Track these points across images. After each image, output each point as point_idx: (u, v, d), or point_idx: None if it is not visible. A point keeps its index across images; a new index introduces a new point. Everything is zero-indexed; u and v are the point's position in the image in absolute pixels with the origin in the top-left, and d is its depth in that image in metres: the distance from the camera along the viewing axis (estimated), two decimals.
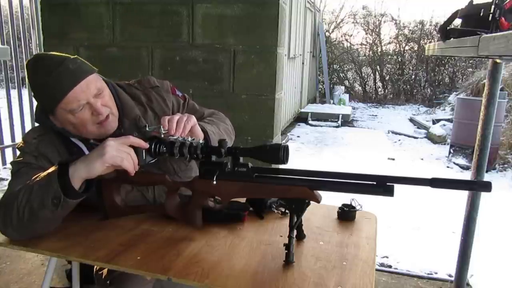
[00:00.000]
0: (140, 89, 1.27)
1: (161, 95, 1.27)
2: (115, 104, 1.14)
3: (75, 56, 1.08)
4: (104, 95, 1.09)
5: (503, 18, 1.22)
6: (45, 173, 0.96)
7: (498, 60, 1.65)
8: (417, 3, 18.76)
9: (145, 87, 1.28)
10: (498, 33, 1.02)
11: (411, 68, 11.42)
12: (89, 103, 1.05)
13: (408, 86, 11.32)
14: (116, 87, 1.20)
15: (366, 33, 12.01)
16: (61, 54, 1.06)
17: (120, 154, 0.94)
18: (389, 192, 0.84)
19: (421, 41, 10.99)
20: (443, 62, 10.61)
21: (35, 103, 1.17)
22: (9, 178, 1.09)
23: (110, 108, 1.10)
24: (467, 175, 4.52)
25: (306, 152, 5.52)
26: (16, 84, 4.17)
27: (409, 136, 6.83)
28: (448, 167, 5.06)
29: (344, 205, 1.20)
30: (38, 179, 0.96)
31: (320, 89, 10.89)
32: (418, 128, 7.46)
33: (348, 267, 0.90)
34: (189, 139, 1.00)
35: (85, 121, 1.06)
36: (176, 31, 2.14)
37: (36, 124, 1.17)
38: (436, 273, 2.39)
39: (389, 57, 11.67)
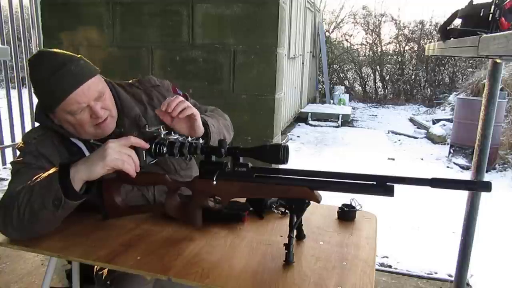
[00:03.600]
0: (141, 88, 1.28)
1: (162, 93, 1.28)
2: (115, 105, 1.15)
3: (80, 56, 1.07)
4: (105, 97, 1.09)
5: (503, 18, 1.22)
6: (46, 174, 0.96)
7: (498, 60, 1.65)
8: (417, 3, 18.79)
9: (146, 87, 1.29)
10: (498, 33, 1.02)
11: (411, 68, 11.42)
12: (89, 106, 1.05)
13: (408, 86, 11.32)
14: (116, 87, 1.21)
15: (366, 33, 12.03)
16: (65, 52, 1.06)
17: (121, 156, 0.93)
18: (389, 192, 0.84)
19: (421, 41, 10.99)
20: (443, 62, 10.60)
21: (35, 103, 1.17)
22: (9, 178, 1.09)
23: (110, 110, 1.11)
24: (467, 175, 4.52)
25: (306, 152, 5.52)
26: (16, 84, 4.18)
27: (409, 136, 6.83)
28: (448, 167, 5.06)
29: (344, 205, 1.20)
30: (39, 180, 0.95)
31: (320, 89, 10.89)
32: (418, 128, 7.46)
33: (348, 267, 0.90)
34: (189, 139, 0.99)
35: (84, 123, 1.07)
36: (176, 31, 2.14)
37: (36, 124, 1.17)
38: (436, 273, 2.39)
39: (389, 57, 11.67)
